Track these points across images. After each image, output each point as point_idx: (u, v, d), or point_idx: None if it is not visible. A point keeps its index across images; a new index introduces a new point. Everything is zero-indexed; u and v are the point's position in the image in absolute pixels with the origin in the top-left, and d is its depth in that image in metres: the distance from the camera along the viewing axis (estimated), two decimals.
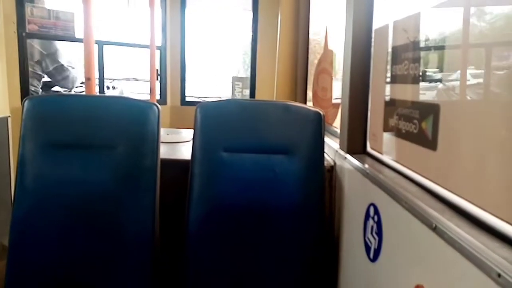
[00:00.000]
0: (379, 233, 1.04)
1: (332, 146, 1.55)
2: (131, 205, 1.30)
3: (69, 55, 3.53)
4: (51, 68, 3.36)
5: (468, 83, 0.81)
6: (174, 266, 1.37)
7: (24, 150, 1.31)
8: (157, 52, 3.21)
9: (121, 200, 1.30)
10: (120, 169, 1.32)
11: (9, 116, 2.49)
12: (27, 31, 2.86)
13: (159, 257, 1.33)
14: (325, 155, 1.49)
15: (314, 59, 2.31)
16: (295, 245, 1.37)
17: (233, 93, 3.74)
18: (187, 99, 3.62)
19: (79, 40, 3.01)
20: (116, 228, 1.29)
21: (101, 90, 3.09)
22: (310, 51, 2.44)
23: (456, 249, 0.68)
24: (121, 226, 1.30)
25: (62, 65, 3.46)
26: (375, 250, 1.06)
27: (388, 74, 1.17)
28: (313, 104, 2.30)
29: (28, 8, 2.99)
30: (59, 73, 3.46)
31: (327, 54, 2.04)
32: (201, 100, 3.87)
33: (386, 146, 1.19)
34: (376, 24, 1.28)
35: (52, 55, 3.35)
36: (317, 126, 1.43)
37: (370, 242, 1.09)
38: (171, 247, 1.39)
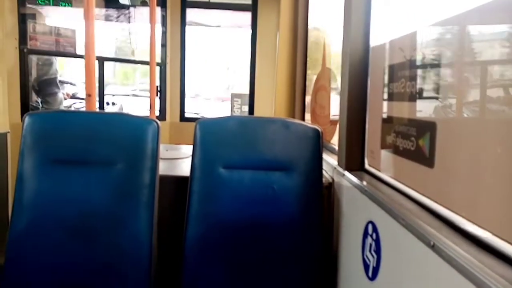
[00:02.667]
0: (378, 251, 1.03)
1: (330, 163, 1.56)
2: (129, 221, 1.30)
3: (69, 72, 3.46)
4: (41, 79, 3.23)
5: (464, 100, 0.82)
6: (172, 283, 1.35)
7: (23, 166, 1.31)
8: (157, 69, 3.25)
9: (119, 216, 1.30)
10: (119, 185, 1.32)
11: (8, 132, 2.50)
12: (28, 47, 2.90)
13: (157, 274, 1.31)
14: (324, 171, 1.49)
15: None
16: (293, 262, 1.36)
17: (232, 110, 3.76)
18: (186, 115, 3.64)
19: (80, 56, 3.04)
20: (114, 245, 1.28)
21: (101, 106, 3.11)
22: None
23: (454, 267, 0.68)
24: (119, 243, 1.29)
25: (55, 78, 3.35)
26: (373, 268, 1.05)
27: (385, 92, 1.18)
28: (311, 121, 2.31)
29: (30, 25, 3.04)
30: (49, 86, 3.30)
31: (325, 72, 2.06)
32: (200, 117, 3.89)
33: (384, 163, 1.20)
34: (373, 42, 1.30)
35: (46, 66, 3.26)
36: (315, 143, 1.43)
37: (369, 260, 1.08)
38: (169, 263, 1.38)
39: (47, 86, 3.32)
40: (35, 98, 3.21)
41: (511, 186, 0.65)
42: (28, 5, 3.00)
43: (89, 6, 1.69)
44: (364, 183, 1.19)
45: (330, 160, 1.58)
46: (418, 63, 0.99)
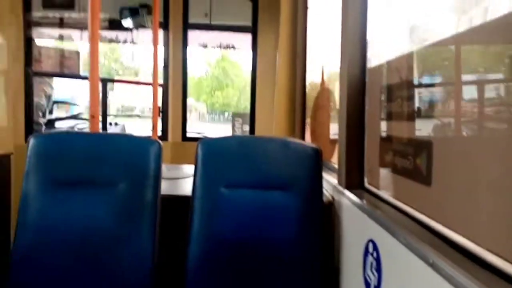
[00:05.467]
0: (379, 269, 1.04)
1: (330, 182, 1.57)
2: (132, 240, 1.31)
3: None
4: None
5: (459, 119, 0.84)
6: None
7: (28, 187, 1.32)
8: (160, 89, 3.29)
9: (122, 236, 1.31)
10: (121, 205, 1.33)
11: (12, 154, 2.52)
12: (33, 69, 2.96)
13: None
14: (324, 190, 1.50)
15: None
16: (295, 281, 1.36)
17: (233, 129, 3.79)
18: (188, 135, 3.68)
19: (84, 78, 3.10)
20: (116, 264, 1.29)
21: (104, 127, 3.15)
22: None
23: (454, 285, 0.69)
24: (122, 262, 1.29)
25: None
26: (375, 287, 1.05)
27: (382, 111, 1.21)
28: (311, 140, 2.33)
29: (35, 48, 3.11)
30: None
31: (324, 92, 2.10)
32: (201, 136, 3.92)
33: (383, 182, 1.21)
34: (370, 63, 1.34)
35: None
36: (315, 162, 1.45)
37: (370, 279, 1.09)
38: (171, 282, 1.38)
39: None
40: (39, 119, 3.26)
41: (508, 204, 0.66)
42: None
43: (94, 29, 1.74)
44: (364, 201, 1.20)
45: (330, 179, 1.60)
46: (414, 83, 1.02)
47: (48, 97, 3.40)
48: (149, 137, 2.43)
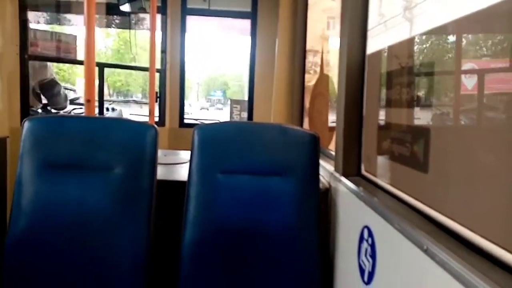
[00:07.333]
0: (373, 255, 1.04)
1: (327, 169, 1.57)
2: (127, 225, 1.31)
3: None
4: (42, 82, 3.30)
5: (457, 107, 0.83)
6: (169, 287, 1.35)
7: (22, 170, 1.32)
8: (157, 75, 3.27)
9: (116, 220, 1.31)
10: (117, 189, 1.33)
11: (7, 137, 2.51)
12: (29, 53, 2.92)
13: (153, 278, 1.32)
14: (321, 177, 1.50)
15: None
16: (290, 267, 1.36)
17: (231, 116, 3.78)
18: (185, 121, 3.66)
19: (80, 62, 3.07)
20: (111, 249, 1.29)
21: (101, 112, 3.13)
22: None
23: (447, 271, 0.69)
24: (116, 247, 1.29)
25: (54, 78, 3.39)
26: (369, 272, 1.06)
27: (381, 99, 1.20)
28: (309, 127, 2.32)
29: (31, 31, 3.06)
30: (51, 87, 3.36)
31: (323, 78, 2.08)
32: (199, 122, 3.90)
33: (380, 169, 1.21)
34: (369, 50, 1.32)
35: (42, 69, 3.29)
36: (312, 148, 1.44)
37: (364, 265, 1.09)
38: (166, 268, 1.39)
39: (50, 87, 3.34)
40: (34, 103, 3.23)
41: (503, 191, 0.66)
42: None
43: (90, 13, 1.71)
44: (361, 188, 1.20)
45: (327, 166, 1.59)
46: (412, 70, 1.01)
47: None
48: (146, 122, 2.42)
